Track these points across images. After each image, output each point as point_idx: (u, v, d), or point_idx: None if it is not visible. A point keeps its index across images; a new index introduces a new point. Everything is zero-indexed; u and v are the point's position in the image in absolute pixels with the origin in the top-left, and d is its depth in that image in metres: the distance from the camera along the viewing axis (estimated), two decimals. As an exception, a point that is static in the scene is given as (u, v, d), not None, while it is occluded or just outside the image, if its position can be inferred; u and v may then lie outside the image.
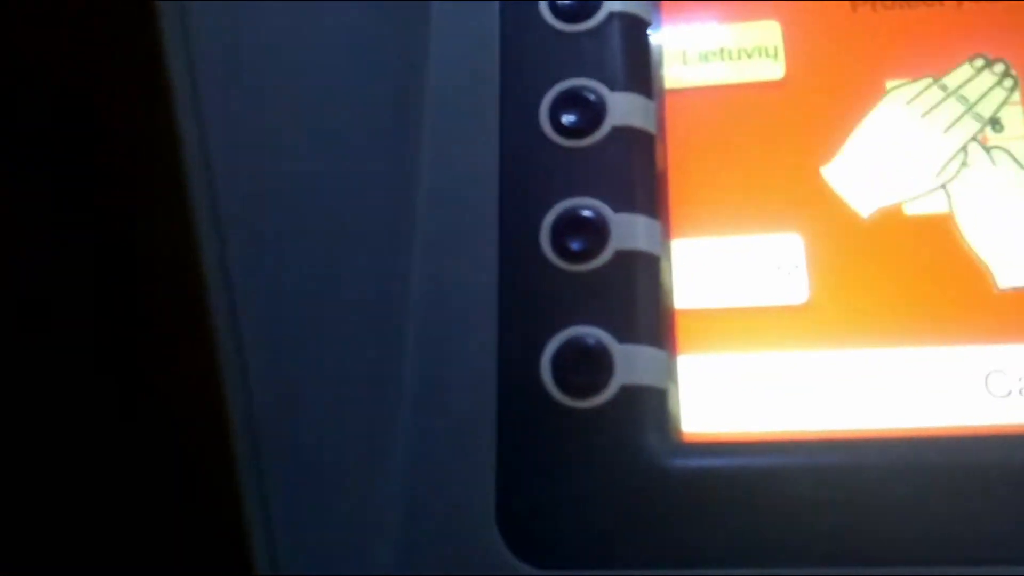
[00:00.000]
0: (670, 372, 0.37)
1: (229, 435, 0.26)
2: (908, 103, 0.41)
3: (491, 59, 0.42)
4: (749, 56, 0.43)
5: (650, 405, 0.36)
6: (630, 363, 0.36)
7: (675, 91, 0.43)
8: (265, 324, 0.28)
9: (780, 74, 0.42)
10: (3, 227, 0.25)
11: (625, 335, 0.37)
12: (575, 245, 0.38)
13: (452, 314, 0.38)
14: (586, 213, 0.38)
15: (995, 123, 0.40)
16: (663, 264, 0.39)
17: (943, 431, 0.36)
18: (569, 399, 0.36)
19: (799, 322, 0.38)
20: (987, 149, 0.40)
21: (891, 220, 0.39)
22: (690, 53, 0.44)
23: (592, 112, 0.40)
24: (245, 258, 0.27)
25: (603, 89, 0.40)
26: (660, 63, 0.43)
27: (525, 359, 0.37)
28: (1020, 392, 0.36)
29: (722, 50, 0.43)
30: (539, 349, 0.37)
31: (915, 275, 0.38)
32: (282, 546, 0.28)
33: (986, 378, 0.37)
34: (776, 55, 0.43)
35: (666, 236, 0.40)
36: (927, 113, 0.41)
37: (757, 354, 0.38)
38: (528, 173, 0.40)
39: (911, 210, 0.39)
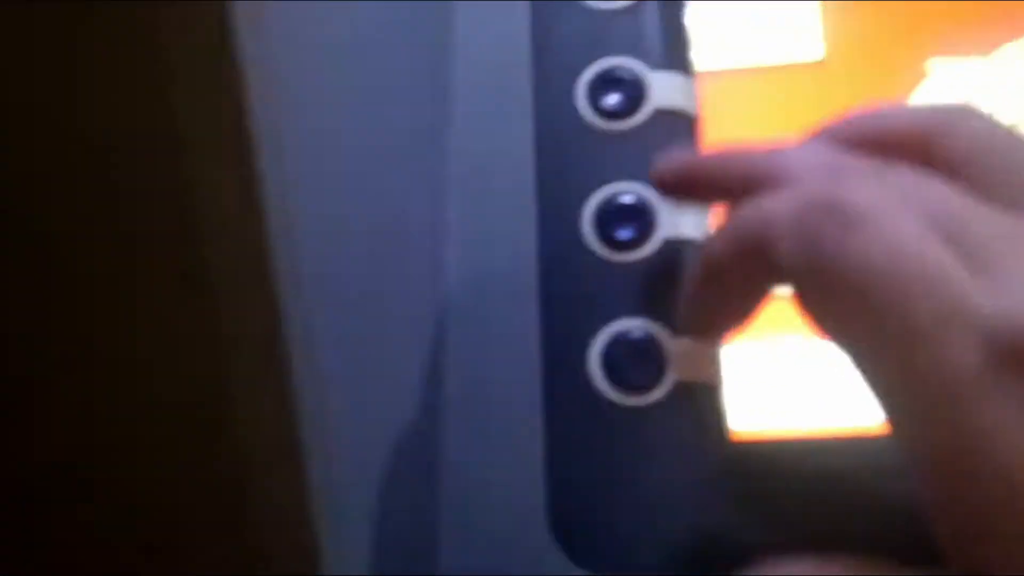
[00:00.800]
0: (721, 366, 0.36)
1: (298, 433, 0.24)
2: (953, 84, 0.40)
3: (522, 41, 0.40)
4: (786, 36, 0.41)
5: (706, 401, 0.34)
6: (684, 357, 0.34)
7: (709, 73, 0.41)
8: (333, 328, 0.26)
9: (820, 55, 0.41)
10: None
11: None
12: (621, 233, 0.36)
13: (492, 310, 0.36)
14: (630, 199, 0.37)
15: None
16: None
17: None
18: (622, 396, 0.34)
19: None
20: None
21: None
22: (726, 32, 0.42)
23: (632, 92, 0.38)
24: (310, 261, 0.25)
25: (643, 68, 0.38)
26: (693, 43, 0.41)
27: (572, 355, 0.35)
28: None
29: (759, 29, 0.42)
30: (586, 344, 0.35)
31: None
32: (346, 545, 0.27)
33: None
34: (815, 34, 0.41)
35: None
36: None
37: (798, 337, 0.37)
38: (566, 159, 0.38)
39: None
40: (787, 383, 0.37)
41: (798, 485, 0.34)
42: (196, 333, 0.23)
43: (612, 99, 0.38)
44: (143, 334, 0.24)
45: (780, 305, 0.37)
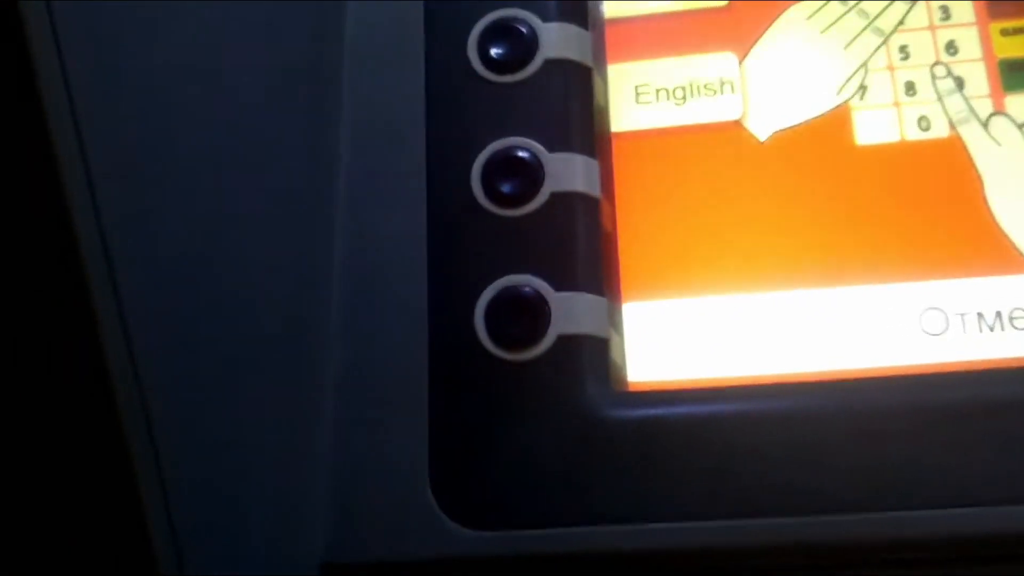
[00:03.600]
0: (612, 320, 0.35)
1: (122, 424, 0.24)
2: (808, 19, 0.39)
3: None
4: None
5: (590, 355, 0.34)
6: (568, 311, 0.34)
7: (615, 21, 0.40)
8: (161, 284, 0.25)
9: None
10: None
11: (562, 282, 0.34)
12: (507, 188, 0.35)
13: (380, 265, 0.36)
14: (519, 154, 0.36)
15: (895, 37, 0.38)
16: (604, 207, 0.36)
17: (885, 371, 0.34)
18: (504, 352, 0.34)
19: (744, 262, 0.37)
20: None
21: (843, 151, 0.37)
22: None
23: (523, 44, 0.37)
24: (141, 226, 0.24)
25: (535, 20, 0.37)
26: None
27: (458, 311, 0.34)
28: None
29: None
30: (472, 300, 0.35)
31: (867, 209, 0.37)
32: (189, 544, 0.26)
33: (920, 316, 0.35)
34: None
35: (607, 177, 0.37)
36: (827, 29, 0.39)
37: (702, 299, 0.36)
38: (456, 112, 0.37)
39: (864, 140, 0.37)
40: (688, 337, 0.36)
41: (683, 436, 0.33)
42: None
43: (502, 50, 0.37)
44: None
45: (685, 265, 0.37)
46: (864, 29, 0.38)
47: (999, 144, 0.37)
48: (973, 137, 0.37)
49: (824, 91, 0.38)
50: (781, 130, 0.38)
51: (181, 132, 0.29)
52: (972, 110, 0.37)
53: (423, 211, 0.36)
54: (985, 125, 0.37)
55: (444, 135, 0.37)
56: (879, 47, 0.38)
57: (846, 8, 0.39)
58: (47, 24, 0.23)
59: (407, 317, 0.35)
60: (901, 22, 0.39)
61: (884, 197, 0.37)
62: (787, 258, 0.37)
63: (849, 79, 0.38)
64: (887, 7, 0.39)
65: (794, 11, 0.39)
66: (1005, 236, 0.36)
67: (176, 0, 0.29)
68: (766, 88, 0.39)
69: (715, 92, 0.39)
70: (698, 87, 0.39)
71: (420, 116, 0.37)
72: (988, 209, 0.36)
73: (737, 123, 0.38)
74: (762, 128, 0.38)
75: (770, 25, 0.39)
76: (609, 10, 0.41)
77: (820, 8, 0.39)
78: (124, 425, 0.24)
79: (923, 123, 0.38)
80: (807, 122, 0.38)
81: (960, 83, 0.38)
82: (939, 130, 0.37)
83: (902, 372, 0.35)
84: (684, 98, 0.39)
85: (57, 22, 0.23)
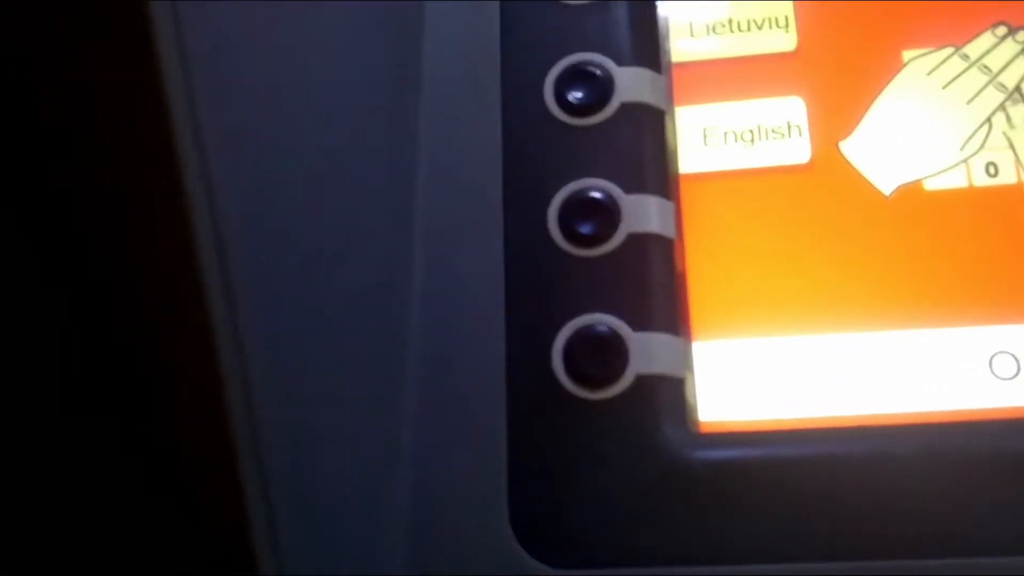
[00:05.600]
0: (686, 360, 0.36)
1: (230, 433, 0.25)
2: (928, 74, 0.39)
3: (491, 36, 0.40)
4: (759, 27, 0.41)
5: (667, 395, 0.34)
6: (645, 351, 0.35)
7: (683, 64, 0.41)
8: (266, 321, 0.26)
9: (792, 45, 0.41)
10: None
11: (639, 322, 0.35)
12: (585, 229, 0.36)
13: (457, 304, 0.36)
14: (595, 195, 0.37)
15: (1020, 92, 0.39)
16: (676, 247, 0.37)
17: (957, 415, 0.35)
18: (583, 390, 0.34)
19: (814, 304, 0.37)
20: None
21: (912, 197, 0.38)
22: (697, 25, 0.42)
23: (599, 88, 0.38)
24: (245, 257, 0.25)
25: (610, 63, 0.38)
26: (667, 36, 0.41)
27: (535, 350, 0.35)
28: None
29: (731, 21, 0.42)
30: (550, 339, 0.35)
31: (936, 254, 0.37)
32: (287, 546, 0.27)
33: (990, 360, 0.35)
34: (787, 25, 0.41)
35: (676, 218, 0.38)
36: (948, 84, 0.39)
37: (771, 339, 0.37)
38: (533, 154, 0.38)
39: (932, 185, 0.38)
40: (759, 377, 0.37)
41: (762, 478, 0.34)
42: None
43: (579, 94, 0.38)
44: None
45: (755, 305, 0.37)
46: (987, 85, 0.39)
47: None
48: None
49: (947, 147, 0.38)
50: (905, 184, 0.38)
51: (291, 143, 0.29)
52: None
53: (500, 251, 0.37)
54: None
55: (521, 177, 0.38)
56: (1003, 103, 0.39)
57: (967, 64, 0.39)
58: (171, 23, 0.24)
59: (485, 354, 0.35)
60: None
61: (953, 242, 0.37)
62: (854, 301, 0.37)
63: (973, 135, 0.38)
64: (1010, 63, 0.39)
65: (914, 66, 0.40)
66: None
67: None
68: (889, 142, 0.39)
69: (783, 136, 0.40)
70: (766, 131, 0.40)
71: (497, 159, 0.38)
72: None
73: (806, 166, 0.39)
74: (886, 183, 0.38)
75: (890, 79, 0.40)
76: (676, 53, 0.41)
77: (941, 63, 0.39)
78: (231, 428, 0.25)
79: (991, 169, 0.38)
80: (930, 177, 0.38)
81: None
82: (1007, 176, 0.38)
83: (972, 416, 0.35)
84: (752, 141, 0.40)
85: (182, 21, 0.24)
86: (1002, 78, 0.39)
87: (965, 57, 0.39)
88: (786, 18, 0.41)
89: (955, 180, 0.38)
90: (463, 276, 0.37)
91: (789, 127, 0.40)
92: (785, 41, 0.41)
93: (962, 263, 0.37)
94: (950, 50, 0.39)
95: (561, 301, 0.36)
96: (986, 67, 0.39)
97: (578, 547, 0.33)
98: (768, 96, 0.40)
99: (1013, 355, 0.36)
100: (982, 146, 0.38)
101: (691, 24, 0.42)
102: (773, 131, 0.40)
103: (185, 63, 0.24)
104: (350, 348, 0.33)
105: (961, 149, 0.38)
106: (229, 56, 0.27)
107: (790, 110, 0.40)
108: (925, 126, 0.39)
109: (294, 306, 0.30)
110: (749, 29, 0.41)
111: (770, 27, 0.41)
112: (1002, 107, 0.38)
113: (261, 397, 0.25)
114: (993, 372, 0.35)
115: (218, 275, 0.23)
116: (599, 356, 0.35)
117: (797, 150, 0.39)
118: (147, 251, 0.23)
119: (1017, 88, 0.39)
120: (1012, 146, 0.38)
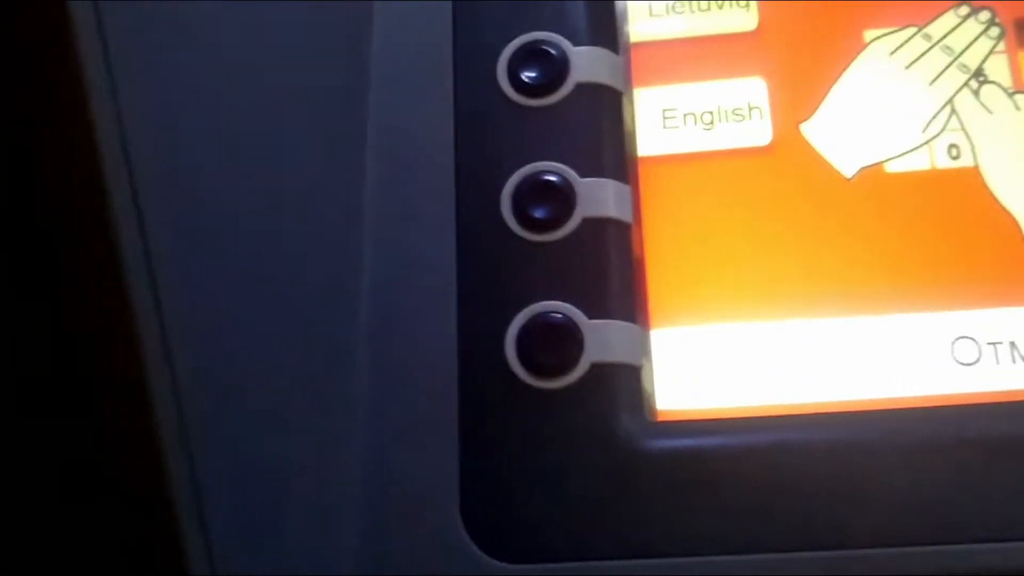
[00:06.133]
0: (643, 347, 0.35)
1: (156, 430, 0.24)
2: (891, 54, 0.39)
3: (444, 14, 0.38)
4: (719, 6, 0.40)
5: (624, 383, 0.33)
6: (601, 339, 0.34)
7: (641, 44, 0.40)
8: (197, 308, 0.25)
9: (753, 24, 0.40)
10: None
11: (595, 309, 0.34)
12: (539, 213, 0.35)
13: (408, 293, 0.35)
14: (550, 178, 0.36)
15: (980, 74, 0.38)
16: (633, 232, 0.36)
17: (919, 401, 0.34)
18: (537, 380, 0.33)
19: (773, 290, 0.36)
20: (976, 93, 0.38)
21: (874, 180, 0.37)
22: (656, 4, 0.41)
23: (554, 67, 0.37)
24: (178, 249, 0.24)
25: (565, 43, 0.37)
26: (625, 16, 0.40)
27: (488, 338, 0.34)
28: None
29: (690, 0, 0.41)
30: (503, 327, 0.34)
31: (897, 238, 0.36)
32: (222, 546, 0.26)
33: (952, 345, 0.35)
34: (748, 4, 0.40)
35: (634, 202, 0.37)
36: (911, 65, 0.38)
37: (730, 326, 0.36)
38: (486, 136, 0.37)
39: (894, 168, 0.37)
40: (717, 365, 0.36)
41: (719, 467, 0.33)
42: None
43: (533, 73, 0.37)
44: None
45: (713, 291, 0.37)
46: (949, 65, 0.38)
47: (990, 112, 0.37)
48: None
49: (910, 129, 0.38)
50: (867, 167, 0.37)
51: (215, 139, 0.28)
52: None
53: (452, 235, 0.36)
54: (976, 93, 0.37)
55: (473, 160, 0.36)
56: (964, 84, 0.38)
57: (930, 44, 0.39)
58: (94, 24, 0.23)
59: (437, 344, 0.34)
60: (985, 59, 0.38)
61: (914, 225, 0.37)
62: (813, 286, 0.36)
63: (935, 116, 0.38)
64: (972, 43, 0.38)
65: (876, 47, 0.39)
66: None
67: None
68: (851, 124, 0.38)
69: (743, 118, 0.39)
70: (726, 112, 0.39)
71: (449, 141, 0.37)
72: (1020, 235, 0.36)
73: (766, 148, 0.38)
74: (848, 165, 0.37)
75: (852, 60, 0.39)
76: (634, 34, 0.40)
77: (903, 44, 0.39)
78: (159, 429, 0.24)
79: (953, 151, 0.37)
80: (892, 159, 0.37)
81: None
82: (969, 159, 0.37)
83: (934, 402, 0.34)
84: (712, 123, 0.39)
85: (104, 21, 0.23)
86: (964, 59, 0.38)
87: (927, 37, 0.39)
88: (746, -4, 0.40)
89: (917, 162, 0.37)
90: (414, 263, 0.35)
91: (750, 109, 0.39)
92: (746, 20, 0.40)
93: (924, 248, 0.36)
94: (912, 30, 0.39)
95: (515, 288, 0.34)
96: (948, 47, 0.38)
97: (533, 541, 0.32)
98: (728, 77, 0.39)
99: (975, 340, 0.35)
100: (944, 128, 0.37)
101: (650, 3, 0.41)
102: (733, 113, 0.39)
103: (117, 64, 0.23)
104: (295, 339, 0.31)
105: (923, 131, 0.37)
106: (168, 51, 0.26)
107: (751, 91, 0.39)
108: (887, 107, 0.38)
109: (233, 298, 0.29)
110: (709, 8, 0.40)
111: (731, 6, 0.40)
112: (965, 87, 0.38)
113: (194, 390, 0.24)
114: (955, 358, 0.35)
115: (143, 266, 0.22)
116: (553, 344, 0.34)
117: (758, 132, 0.39)
118: (63, 227, 0.22)
119: (979, 69, 0.38)
120: (964, 128, 0.37)
